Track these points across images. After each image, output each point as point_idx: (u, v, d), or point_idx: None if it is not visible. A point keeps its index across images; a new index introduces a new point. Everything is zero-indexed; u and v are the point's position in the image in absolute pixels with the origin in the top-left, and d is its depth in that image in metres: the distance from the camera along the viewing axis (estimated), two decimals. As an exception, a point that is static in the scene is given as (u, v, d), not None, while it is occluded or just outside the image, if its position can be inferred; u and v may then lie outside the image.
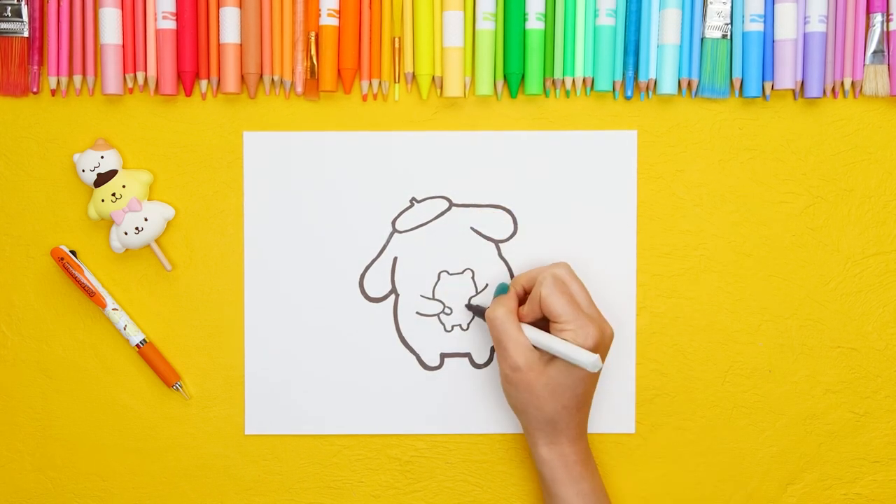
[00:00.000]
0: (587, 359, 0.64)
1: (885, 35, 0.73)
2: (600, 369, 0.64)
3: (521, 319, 0.69)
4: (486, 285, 0.74)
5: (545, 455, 0.69)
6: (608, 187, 0.74)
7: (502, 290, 0.70)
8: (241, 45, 0.72)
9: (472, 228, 0.74)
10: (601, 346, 0.66)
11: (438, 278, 0.74)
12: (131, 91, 0.73)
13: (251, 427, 0.75)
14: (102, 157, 0.72)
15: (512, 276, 0.74)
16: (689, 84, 0.73)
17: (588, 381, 0.67)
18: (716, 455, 0.75)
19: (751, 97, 0.73)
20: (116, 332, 0.74)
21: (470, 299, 0.74)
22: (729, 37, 0.72)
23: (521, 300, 0.70)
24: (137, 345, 0.73)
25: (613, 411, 0.74)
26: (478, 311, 0.73)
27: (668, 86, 0.72)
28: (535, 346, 0.67)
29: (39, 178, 0.74)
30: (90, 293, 0.73)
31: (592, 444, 0.75)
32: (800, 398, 0.75)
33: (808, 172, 0.74)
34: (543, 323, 0.68)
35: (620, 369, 0.74)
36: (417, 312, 0.74)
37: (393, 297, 0.74)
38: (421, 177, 0.74)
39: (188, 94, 0.73)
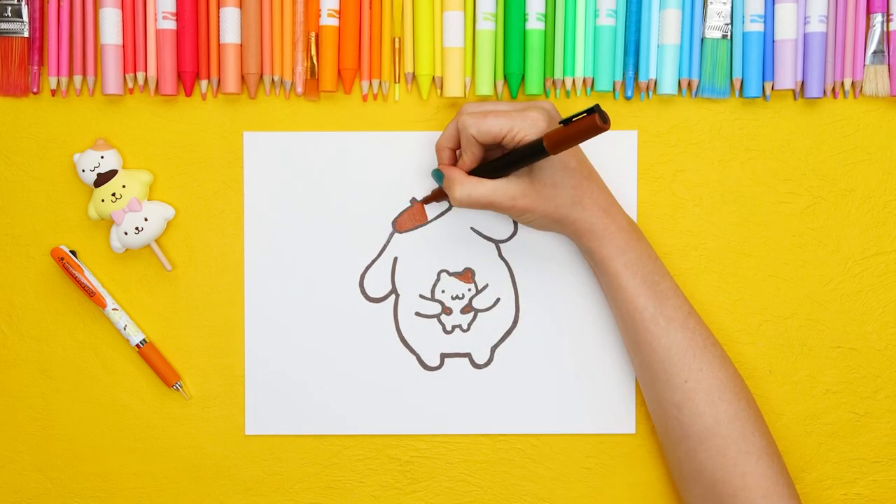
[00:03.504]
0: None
1: (886, 35, 0.73)
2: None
3: (474, 165, 0.68)
4: (487, 285, 0.74)
5: (589, 238, 0.68)
6: (608, 187, 0.74)
7: (438, 175, 0.70)
8: (241, 45, 0.72)
9: (472, 228, 0.74)
10: (551, 121, 0.66)
11: (438, 278, 0.74)
12: (131, 91, 0.73)
13: (251, 427, 0.75)
14: (102, 157, 0.72)
15: (512, 276, 0.74)
16: (690, 84, 0.73)
17: (572, 153, 0.67)
18: (716, 455, 0.75)
19: (751, 97, 0.73)
20: (116, 332, 0.74)
21: (471, 300, 0.74)
22: (729, 37, 0.72)
23: (452, 158, 0.70)
24: (137, 345, 0.73)
25: (613, 411, 0.74)
26: (441, 196, 0.72)
27: (668, 86, 0.72)
28: (509, 177, 0.67)
29: (39, 178, 0.74)
30: (90, 293, 0.73)
31: (592, 443, 0.75)
32: (800, 398, 0.75)
33: (808, 172, 0.74)
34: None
35: (620, 369, 0.74)
36: (417, 313, 0.74)
37: (393, 297, 0.74)
38: (421, 177, 0.74)
39: (188, 94, 0.73)
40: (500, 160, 0.67)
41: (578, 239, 0.69)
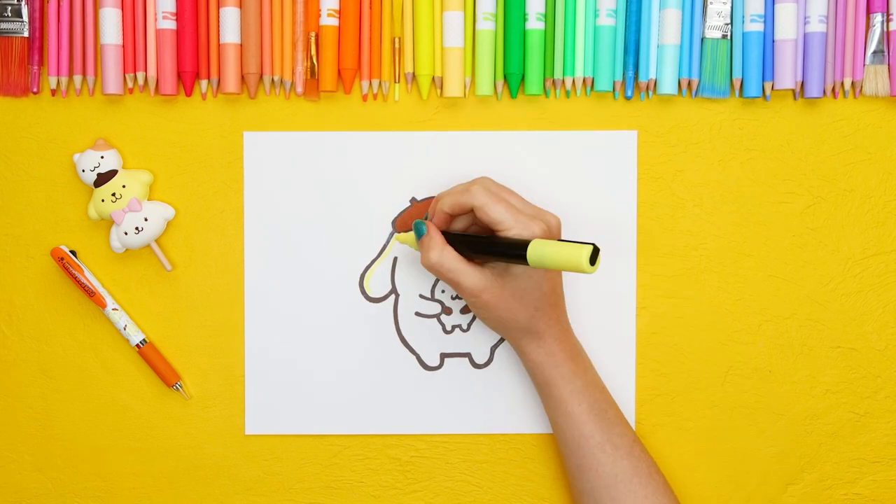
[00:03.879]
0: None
1: (886, 35, 0.73)
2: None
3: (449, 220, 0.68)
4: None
5: (534, 358, 0.68)
6: (608, 187, 0.74)
7: (420, 230, 0.68)
8: (241, 45, 0.72)
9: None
10: (549, 236, 0.65)
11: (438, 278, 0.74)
12: (131, 91, 0.73)
13: (251, 427, 0.75)
14: (102, 157, 0.72)
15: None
16: (690, 84, 0.73)
17: (550, 276, 0.67)
18: (716, 455, 0.75)
19: (751, 97, 0.73)
20: (116, 332, 0.74)
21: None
22: (729, 37, 0.72)
23: (447, 222, 0.69)
24: (137, 345, 0.73)
25: (613, 411, 0.74)
26: (414, 247, 0.70)
27: (668, 86, 0.72)
28: (483, 265, 0.66)
29: (39, 178, 0.74)
30: (90, 293, 0.73)
31: (592, 444, 0.75)
32: (800, 398, 0.75)
33: (808, 172, 0.74)
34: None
35: (620, 369, 0.74)
36: (417, 313, 0.74)
37: (393, 297, 0.74)
38: (421, 177, 0.74)
39: (188, 94, 0.73)
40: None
41: (522, 354, 0.69)
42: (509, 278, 0.66)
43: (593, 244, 0.58)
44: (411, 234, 0.70)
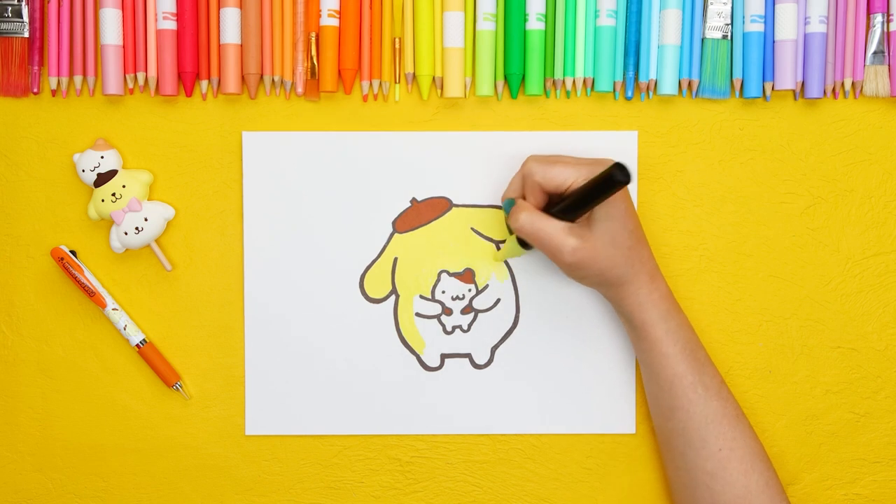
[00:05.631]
0: (611, 174, 0.61)
1: (886, 35, 0.73)
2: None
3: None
4: (487, 285, 0.74)
5: (632, 301, 0.68)
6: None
7: (509, 203, 0.69)
8: (241, 45, 0.72)
9: (472, 229, 0.74)
10: None
11: (438, 279, 0.74)
12: (131, 91, 0.73)
13: (251, 427, 0.75)
14: (102, 157, 0.72)
15: (513, 276, 0.74)
16: (690, 84, 0.73)
17: (631, 212, 0.67)
18: (716, 455, 0.75)
19: (751, 98, 0.73)
20: (116, 332, 0.74)
21: (471, 300, 0.74)
22: (729, 37, 0.72)
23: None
24: (137, 345, 0.73)
25: (613, 411, 0.74)
26: (514, 252, 0.72)
27: (668, 86, 0.72)
28: (571, 221, 0.66)
29: (39, 178, 0.74)
30: (90, 293, 0.73)
31: (592, 443, 0.75)
32: (800, 398, 0.75)
33: (808, 173, 0.74)
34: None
35: (620, 369, 0.74)
36: (417, 314, 0.74)
37: (393, 297, 0.74)
38: (421, 177, 0.74)
39: (188, 94, 0.73)
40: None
41: (620, 300, 0.69)
42: (596, 226, 0.66)
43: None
44: (504, 248, 0.72)
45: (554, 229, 0.66)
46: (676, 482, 0.70)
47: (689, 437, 0.68)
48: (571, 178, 0.66)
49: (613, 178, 0.60)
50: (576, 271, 0.67)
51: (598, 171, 0.64)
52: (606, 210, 0.65)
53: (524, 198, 0.69)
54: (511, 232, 0.71)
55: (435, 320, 0.74)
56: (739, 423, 0.68)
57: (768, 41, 0.73)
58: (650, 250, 0.69)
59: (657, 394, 0.69)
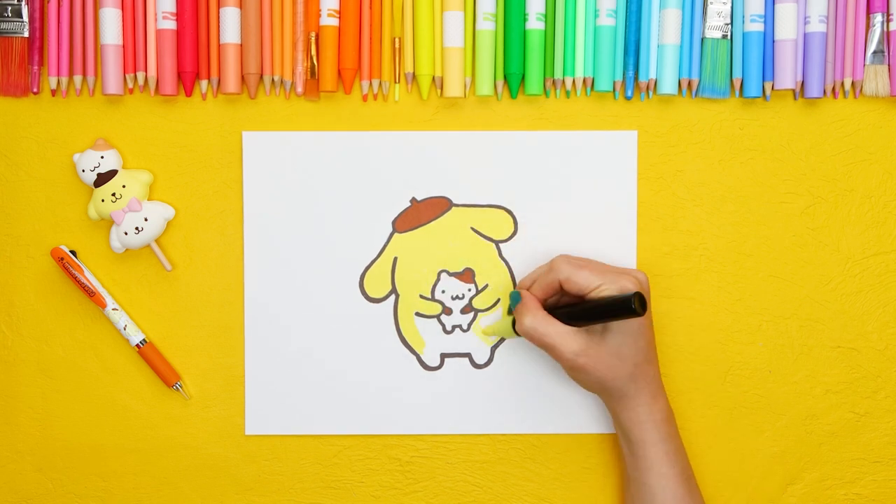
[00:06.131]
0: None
1: (886, 35, 0.73)
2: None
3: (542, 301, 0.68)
4: (486, 285, 0.74)
5: (632, 417, 0.68)
6: (608, 187, 0.74)
7: (516, 298, 0.69)
8: (241, 45, 0.72)
9: (472, 228, 0.74)
10: (641, 290, 0.66)
11: (438, 278, 0.74)
12: (131, 91, 0.73)
13: (251, 427, 0.75)
14: (102, 157, 0.72)
15: (513, 276, 0.74)
16: (690, 84, 0.73)
17: (645, 330, 0.67)
18: (716, 455, 0.75)
19: (751, 97, 0.73)
20: (116, 332, 0.74)
21: (471, 300, 0.74)
22: (729, 37, 0.72)
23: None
24: (137, 345, 0.73)
25: (613, 411, 0.74)
26: (506, 333, 0.72)
27: (668, 86, 0.72)
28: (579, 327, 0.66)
29: (39, 178, 0.74)
30: (90, 293, 0.73)
31: (592, 443, 0.75)
32: (800, 398, 0.75)
33: (808, 172, 0.74)
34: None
35: (620, 369, 0.74)
36: (417, 313, 0.74)
37: (393, 297, 0.74)
38: (421, 177, 0.74)
39: (188, 94, 0.73)
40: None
41: (619, 413, 0.69)
42: (607, 336, 0.66)
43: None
44: (496, 323, 0.72)
45: (557, 332, 0.66)
46: None
47: None
48: (594, 285, 0.66)
49: (628, 307, 0.61)
50: (576, 374, 0.68)
51: (621, 283, 0.65)
52: (622, 322, 0.66)
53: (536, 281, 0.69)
54: (510, 312, 0.71)
55: (435, 320, 0.74)
56: None
57: (768, 41, 0.73)
58: (658, 370, 0.69)
59: None
